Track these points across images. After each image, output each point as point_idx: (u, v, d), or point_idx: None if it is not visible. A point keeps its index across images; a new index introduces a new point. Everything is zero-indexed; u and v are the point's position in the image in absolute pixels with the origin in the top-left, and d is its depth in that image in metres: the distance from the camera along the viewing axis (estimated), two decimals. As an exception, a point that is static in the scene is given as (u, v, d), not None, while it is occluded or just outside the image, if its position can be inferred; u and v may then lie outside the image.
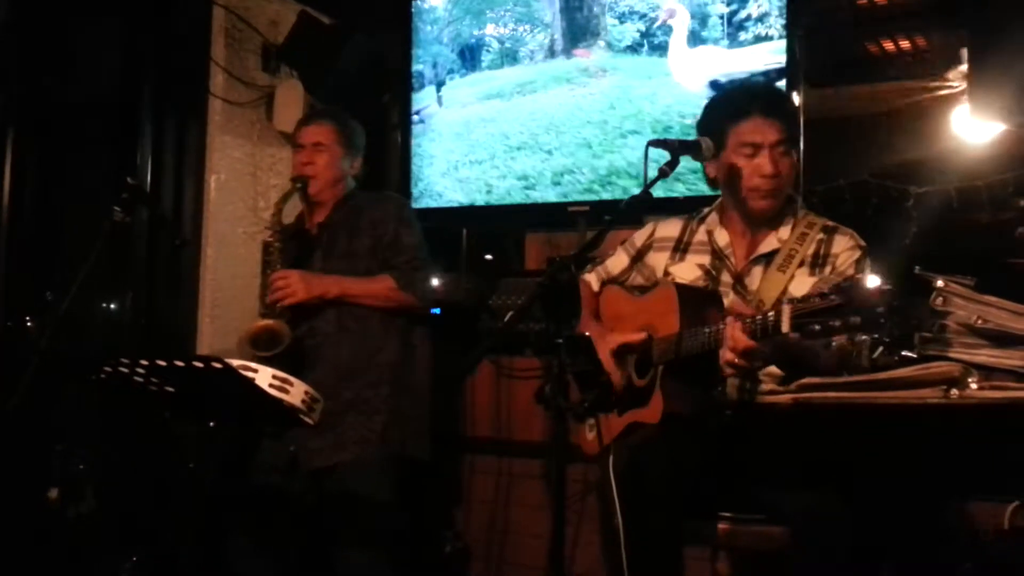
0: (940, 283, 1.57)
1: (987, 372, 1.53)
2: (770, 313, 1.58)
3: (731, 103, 2.03)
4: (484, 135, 3.19)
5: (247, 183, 3.25)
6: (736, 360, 1.65)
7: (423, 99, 3.34)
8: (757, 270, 1.97)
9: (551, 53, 3.11)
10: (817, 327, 1.45)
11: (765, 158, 1.93)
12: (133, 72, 3.10)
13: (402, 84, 3.35)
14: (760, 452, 1.78)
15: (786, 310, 1.52)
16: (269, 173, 3.33)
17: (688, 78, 2.81)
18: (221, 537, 2.51)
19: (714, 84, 2.74)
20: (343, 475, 2.43)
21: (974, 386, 1.40)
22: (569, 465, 1.81)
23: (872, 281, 1.42)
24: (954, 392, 1.40)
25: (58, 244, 3.03)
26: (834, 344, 1.71)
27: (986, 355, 1.54)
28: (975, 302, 1.56)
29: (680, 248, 2.11)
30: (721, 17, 2.76)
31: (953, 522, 1.93)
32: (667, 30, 2.85)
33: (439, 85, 3.32)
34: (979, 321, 1.54)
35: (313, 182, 2.62)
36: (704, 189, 2.70)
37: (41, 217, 3.04)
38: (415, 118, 3.33)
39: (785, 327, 1.52)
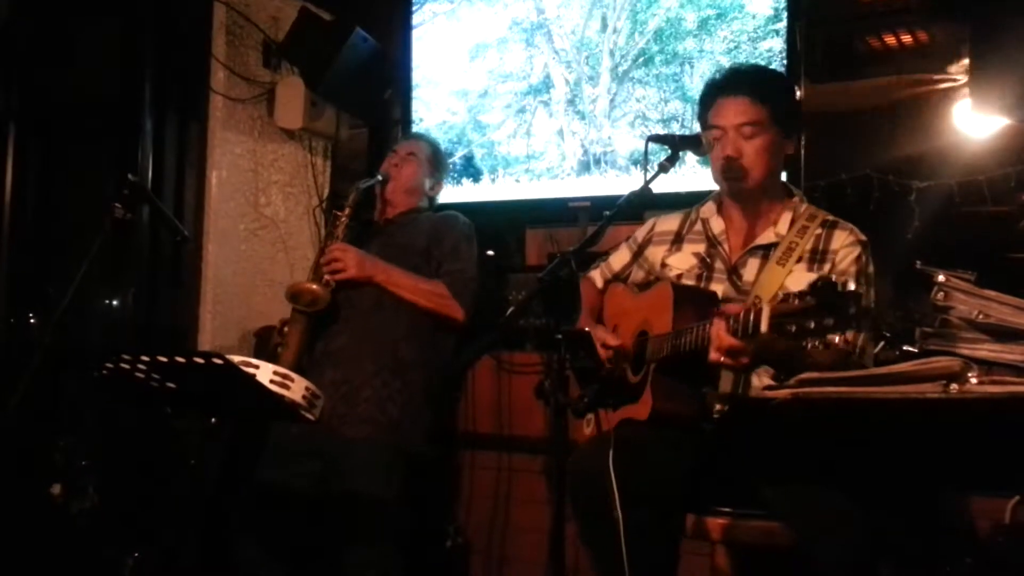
0: (941, 277, 1.56)
1: (987, 367, 1.52)
2: (751, 313, 1.58)
3: (707, 87, 2.04)
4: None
5: (248, 179, 3.25)
6: (721, 359, 1.66)
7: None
8: (753, 262, 1.97)
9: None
10: (793, 328, 1.46)
11: (728, 140, 1.93)
12: (134, 69, 3.10)
13: (403, 80, 3.34)
14: (759, 447, 1.78)
15: (765, 310, 1.52)
16: (270, 169, 3.33)
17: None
18: (224, 532, 2.52)
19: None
20: (351, 469, 2.44)
21: (974, 381, 1.39)
22: (569, 460, 1.81)
23: (847, 285, 1.42)
24: (954, 387, 1.39)
25: (60, 241, 3.04)
26: (831, 342, 1.70)
27: (987, 350, 1.54)
28: (976, 297, 1.55)
29: (678, 239, 2.12)
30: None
31: (953, 517, 1.93)
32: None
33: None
34: (980, 316, 1.54)
35: (392, 182, 2.79)
36: (706, 184, 2.71)
37: (43, 214, 3.05)
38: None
39: (764, 327, 1.52)
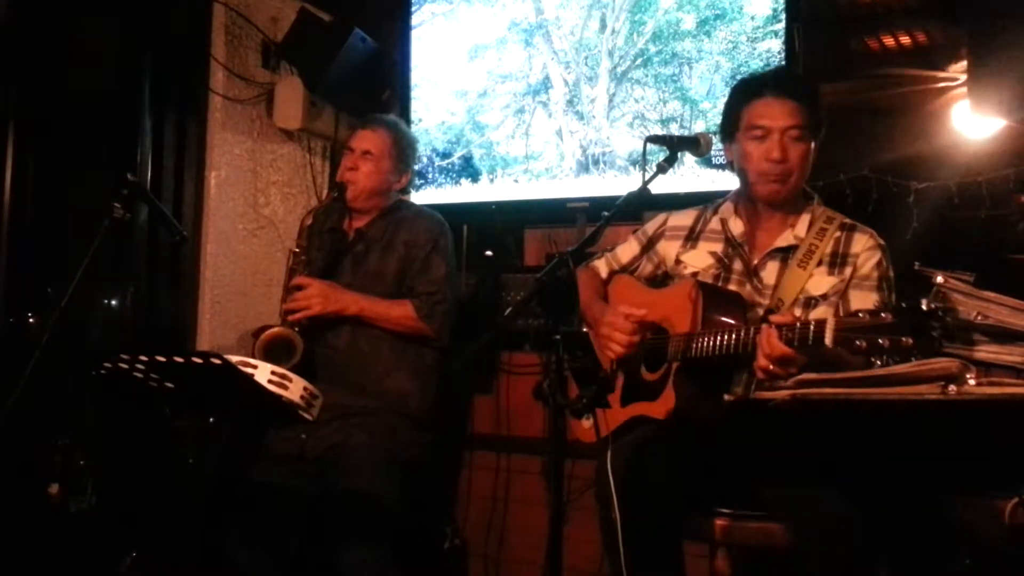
0: (940, 279, 1.57)
1: (986, 368, 1.52)
2: (811, 325, 1.55)
3: (747, 83, 2.02)
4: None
5: (247, 180, 3.25)
6: (771, 367, 1.62)
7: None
8: (773, 265, 1.96)
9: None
10: (864, 344, 1.42)
11: (774, 142, 1.90)
12: (133, 69, 3.10)
13: (402, 81, 3.34)
14: (759, 448, 1.78)
15: (830, 323, 1.49)
16: (269, 170, 3.33)
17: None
18: (221, 532, 2.51)
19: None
20: (348, 470, 2.43)
21: (972, 382, 1.40)
22: (567, 461, 1.81)
23: (926, 303, 1.38)
24: (952, 388, 1.39)
25: (58, 240, 3.03)
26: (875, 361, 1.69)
27: (985, 351, 1.54)
28: (975, 298, 1.56)
29: (692, 237, 2.10)
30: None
31: (952, 519, 1.93)
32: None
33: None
34: (979, 317, 1.54)
35: (351, 188, 2.60)
36: (704, 185, 2.72)
37: (42, 213, 3.04)
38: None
39: (828, 340, 1.48)
